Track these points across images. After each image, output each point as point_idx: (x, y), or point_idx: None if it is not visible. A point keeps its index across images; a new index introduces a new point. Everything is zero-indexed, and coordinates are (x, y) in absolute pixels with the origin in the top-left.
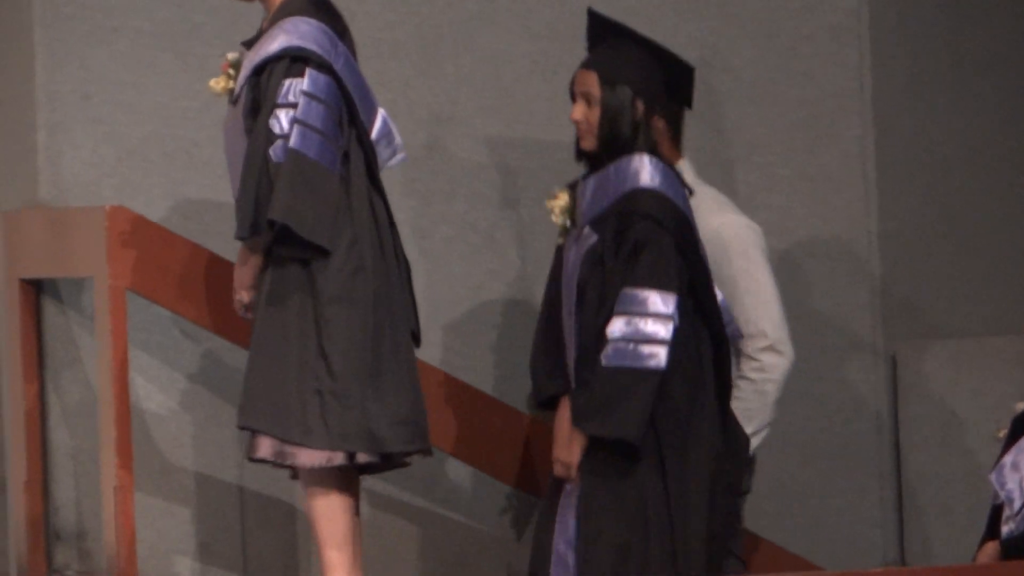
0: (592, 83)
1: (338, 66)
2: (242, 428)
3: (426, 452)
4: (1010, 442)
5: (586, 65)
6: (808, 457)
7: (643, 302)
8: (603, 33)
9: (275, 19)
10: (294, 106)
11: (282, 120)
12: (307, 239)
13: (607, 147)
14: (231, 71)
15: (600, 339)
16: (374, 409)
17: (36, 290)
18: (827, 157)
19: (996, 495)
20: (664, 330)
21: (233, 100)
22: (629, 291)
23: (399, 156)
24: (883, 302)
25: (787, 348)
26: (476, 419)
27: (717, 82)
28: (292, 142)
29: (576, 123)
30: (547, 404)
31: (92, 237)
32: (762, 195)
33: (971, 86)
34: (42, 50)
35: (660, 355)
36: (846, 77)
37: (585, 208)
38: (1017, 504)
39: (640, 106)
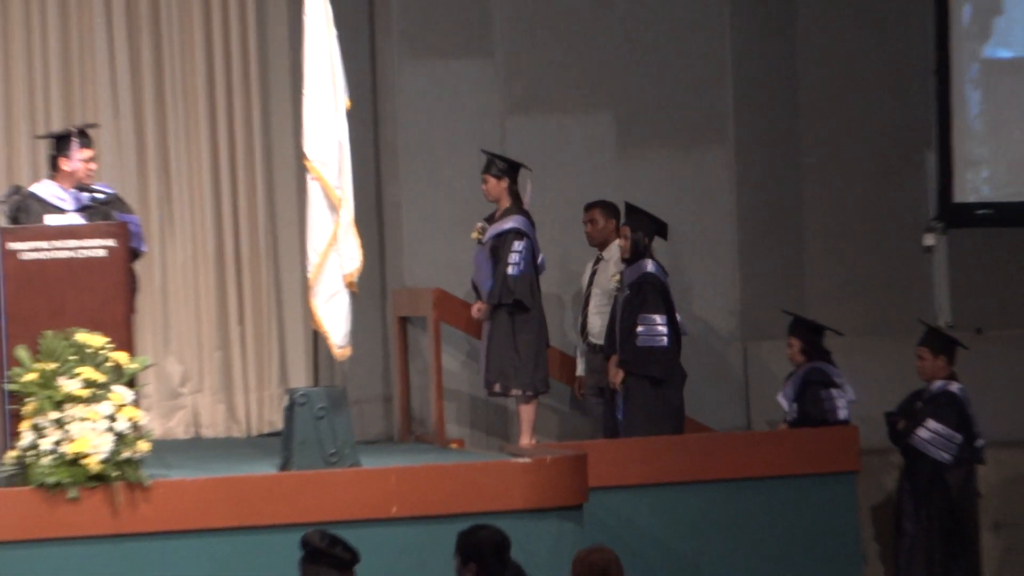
0: (626, 232)
1: (532, 235)
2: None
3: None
4: (786, 380)
5: (624, 221)
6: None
7: (652, 319)
8: (630, 211)
9: (504, 214)
10: (519, 252)
11: (515, 257)
12: (527, 305)
13: (634, 258)
14: (481, 229)
15: (634, 335)
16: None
17: (405, 322)
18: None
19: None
20: (664, 328)
21: (482, 243)
22: (644, 315)
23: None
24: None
25: None
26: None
27: (633, 129)
28: (519, 268)
29: (621, 248)
30: (609, 356)
31: (427, 300)
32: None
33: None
34: (408, 242)
35: (664, 340)
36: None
37: (625, 281)
38: (786, 407)
39: (646, 240)
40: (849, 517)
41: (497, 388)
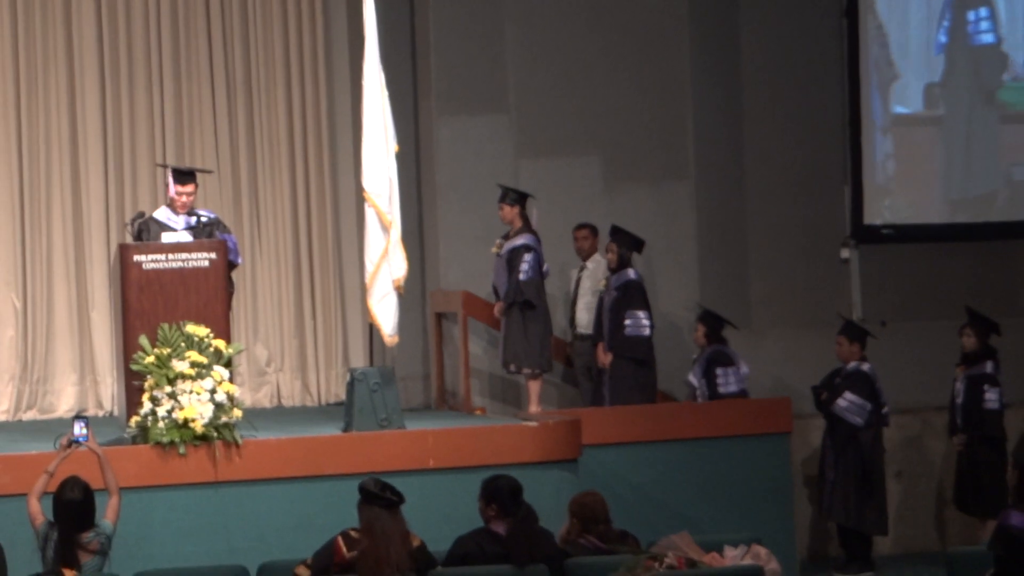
0: (613, 248)
1: (538, 249)
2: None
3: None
4: (694, 363)
5: (611, 238)
6: None
7: (637, 314)
8: (616, 231)
9: (517, 233)
10: (528, 262)
11: (525, 267)
12: (535, 303)
13: (620, 267)
14: (500, 245)
15: (622, 327)
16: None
17: (441, 317)
18: (678, 300)
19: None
20: (648, 321)
21: (500, 256)
22: (631, 311)
23: (547, 271)
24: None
25: None
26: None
27: (616, 170)
28: (528, 275)
29: (609, 260)
30: (595, 345)
31: (456, 300)
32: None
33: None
34: (443, 251)
35: (647, 330)
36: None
37: (612, 283)
38: (695, 384)
39: (629, 253)
40: (784, 468)
41: (512, 368)
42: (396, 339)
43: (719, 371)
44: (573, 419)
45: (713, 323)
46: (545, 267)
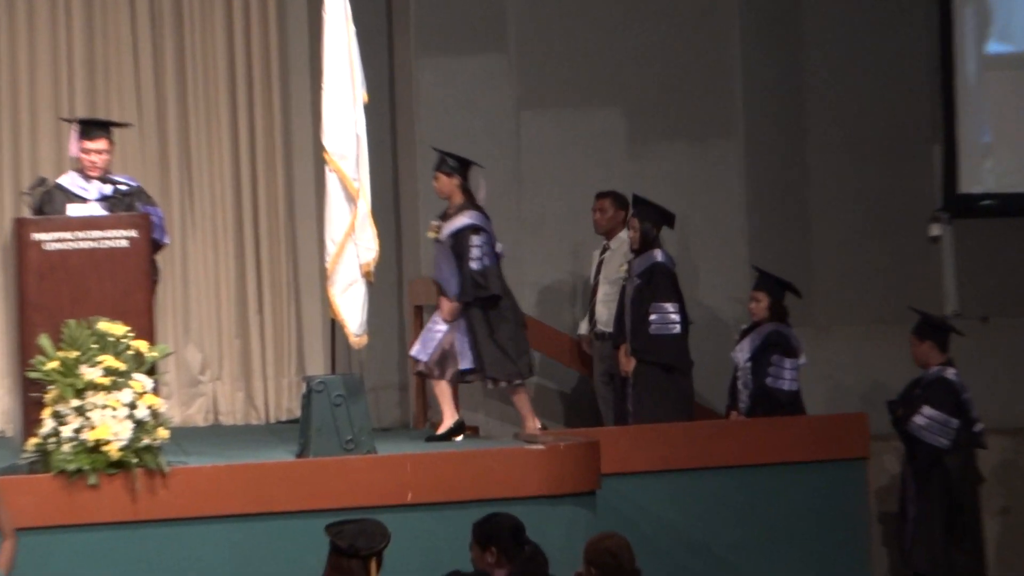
0: (634, 224)
1: (488, 228)
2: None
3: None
4: (738, 341)
5: (632, 212)
6: None
7: (664, 308)
8: (637, 202)
9: (458, 211)
10: (479, 247)
11: (476, 252)
12: (500, 295)
13: (643, 248)
14: (437, 228)
15: (646, 324)
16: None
17: (420, 310)
18: (728, 259)
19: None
20: (676, 316)
21: (440, 241)
22: (656, 303)
23: (503, 254)
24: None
25: None
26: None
27: (682, 230)
28: (483, 263)
29: (631, 238)
30: (617, 345)
31: (432, 290)
32: (689, 249)
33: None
34: (423, 218)
35: (677, 327)
36: (728, 171)
37: (634, 270)
38: (740, 365)
39: (655, 230)
40: (858, 503)
41: (489, 382)
42: (365, 339)
43: (774, 358)
44: (590, 441)
45: (779, 293)
46: (499, 247)
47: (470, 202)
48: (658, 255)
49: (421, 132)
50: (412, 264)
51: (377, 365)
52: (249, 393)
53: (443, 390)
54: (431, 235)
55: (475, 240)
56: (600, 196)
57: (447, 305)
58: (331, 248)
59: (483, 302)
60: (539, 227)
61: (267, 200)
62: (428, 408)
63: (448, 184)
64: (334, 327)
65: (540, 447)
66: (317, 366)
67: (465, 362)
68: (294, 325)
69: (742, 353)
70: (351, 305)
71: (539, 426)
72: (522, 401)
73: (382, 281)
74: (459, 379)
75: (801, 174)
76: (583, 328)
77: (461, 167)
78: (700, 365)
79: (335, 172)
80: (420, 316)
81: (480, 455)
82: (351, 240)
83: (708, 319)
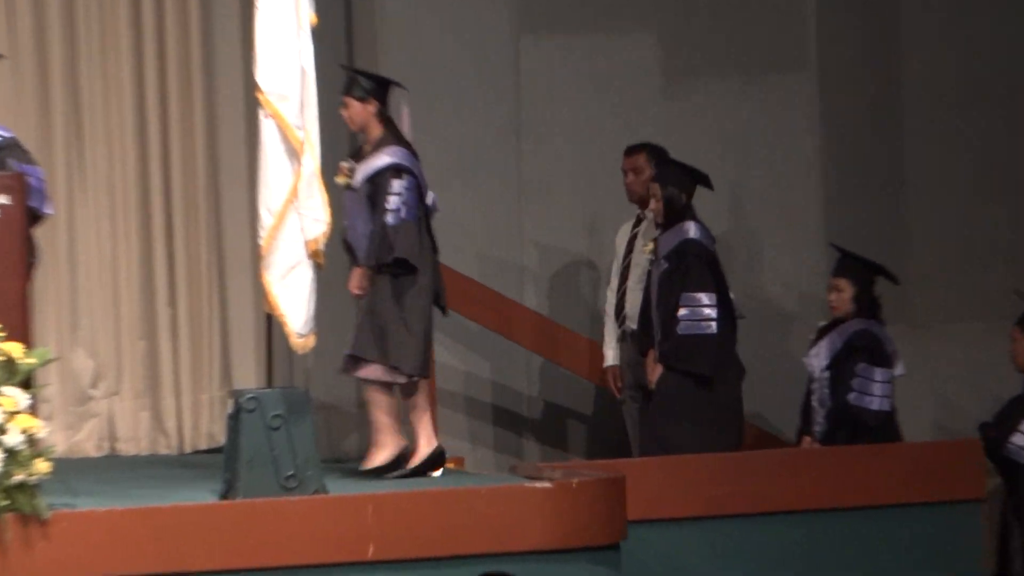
0: (656, 191)
1: (416, 170)
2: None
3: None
4: (814, 342)
5: (654, 180)
6: None
7: (698, 299)
8: (660, 160)
9: (376, 147)
10: (399, 194)
11: (395, 202)
12: (412, 262)
13: (671, 221)
14: (348, 171)
15: (674, 320)
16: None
17: None
18: (795, 212)
19: (809, 382)
20: (713, 312)
21: (354, 189)
22: (688, 294)
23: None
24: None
25: None
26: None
27: (739, 194)
28: (400, 216)
29: (654, 210)
30: (644, 351)
31: None
32: (757, 237)
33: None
34: None
35: (713, 325)
36: (805, 164)
37: (660, 250)
38: (816, 373)
39: (682, 197)
40: (969, 561)
41: (386, 373)
42: (312, 341)
43: (860, 367)
44: (613, 476)
45: (866, 281)
46: (431, 198)
47: (392, 135)
48: (690, 229)
49: (387, 65)
50: None
51: (329, 376)
52: (157, 413)
53: (416, 406)
54: (340, 180)
55: (395, 185)
56: (632, 151)
57: (354, 273)
58: (267, 219)
59: (393, 269)
60: (544, 192)
61: (182, 156)
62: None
63: (361, 112)
64: (271, 325)
65: (546, 484)
66: (248, 377)
67: (358, 345)
68: (217, 322)
69: (818, 360)
70: (293, 295)
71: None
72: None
73: (335, 264)
74: (347, 368)
75: (894, 121)
76: (610, 357)
77: (378, 89)
78: (759, 375)
79: (273, 118)
80: None
81: (466, 495)
82: (293, 208)
83: (770, 314)
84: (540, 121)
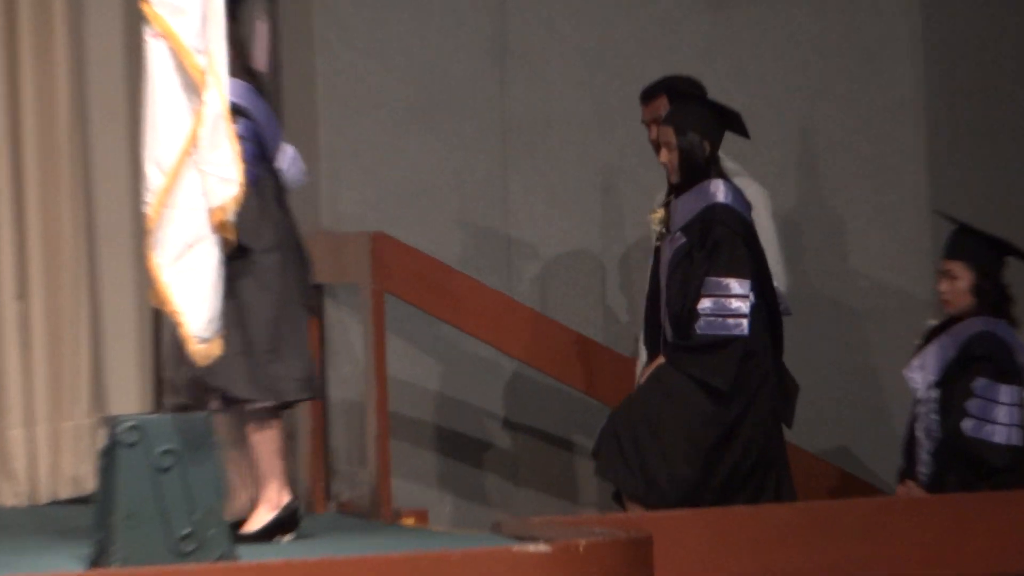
0: (668, 136)
1: (259, 110)
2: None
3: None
4: (919, 348)
5: (665, 121)
6: None
7: (726, 287)
8: (675, 96)
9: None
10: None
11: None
12: (243, 241)
13: (689, 179)
14: None
15: (692, 313)
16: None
17: (320, 292)
18: (893, 195)
19: (912, 407)
20: (745, 306)
21: None
22: (713, 279)
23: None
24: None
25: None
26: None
27: (813, 141)
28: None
29: (664, 165)
30: (653, 360)
31: (360, 254)
32: (847, 224)
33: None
34: (323, 121)
35: (743, 325)
36: (907, 136)
37: (676, 219)
38: (921, 393)
39: (706, 145)
40: None
41: (211, 400)
42: (219, 348)
43: (980, 384)
44: (635, 536)
45: (991, 264)
46: (286, 157)
47: (237, 63)
48: (718, 191)
49: None
50: (309, 207)
51: None
52: (1, 448)
53: (262, 441)
54: None
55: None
56: (652, 93)
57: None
58: (156, 179)
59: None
60: (538, 139)
61: (37, 94)
62: (332, 475)
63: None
64: (159, 325)
65: (543, 548)
66: (128, 397)
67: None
68: (86, 322)
69: (923, 374)
70: (192, 284)
71: (286, 498)
72: (265, 445)
73: None
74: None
75: (1018, 49)
76: (641, 371)
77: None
78: (838, 396)
79: (163, 38)
80: (320, 303)
81: (432, 564)
82: (192, 164)
83: (854, 312)
84: (533, 40)
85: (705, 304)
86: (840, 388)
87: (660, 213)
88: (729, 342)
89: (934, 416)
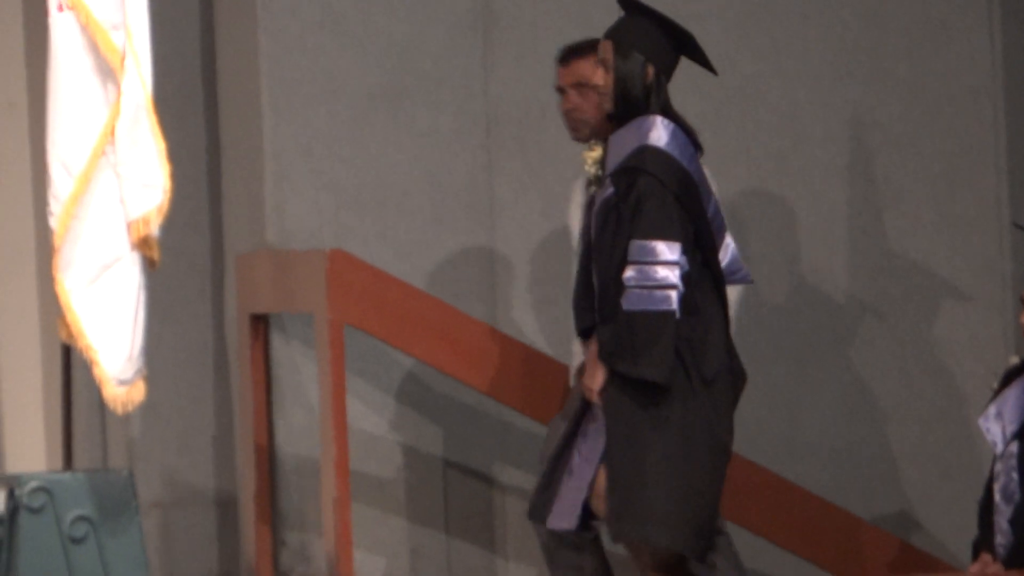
0: (607, 51)
1: None
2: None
3: None
4: (997, 392)
5: (606, 35)
6: None
7: (651, 251)
8: (627, 4)
9: None
10: None
11: None
12: None
13: (625, 114)
14: None
15: (617, 284)
16: None
17: (265, 324)
18: (965, 204)
19: (989, 480)
20: (673, 275)
21: None
22: (638, 242)
23: None
24: (1017, 338)
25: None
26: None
27: (868, 137)
28: None
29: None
30: (585, 334)
31: (313, 277)
32: (907, 239)
33: None
34: (268, 111)
35: (672, 298)
36: (983, 132)
37: (608, 163)
38: (999, 448)
39: (650, 71)
40: None
41: None
42: (141, 392)
43: None
44: None
45: None
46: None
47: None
48: (652, 129)
49: None
50: (248, 223)
51: (170, 449)
52: None
53: None
54: None
55: None
56: (574, 53)
57: None
58: (63, 185)
59: None
60: (526, 128)
61: None
62: (280, 546)
63: None
64: (70, 363)
65: None
66: (33, 454)
67: None
68: None
69: (1000, 424)
70: (109, 314)
71: None
72: None
73: (180, 260)
74: None
75: None
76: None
77: None
78: (898, 446)
79: (74, 11)
80: (264, 335)
81: None
82: (107, 166)
83: (911, 342)
84: (523, 8)
85: (630, 273)
86: (900, 440)
87: (597, 151)
88: (658, 321)
89: (1015, 475)
